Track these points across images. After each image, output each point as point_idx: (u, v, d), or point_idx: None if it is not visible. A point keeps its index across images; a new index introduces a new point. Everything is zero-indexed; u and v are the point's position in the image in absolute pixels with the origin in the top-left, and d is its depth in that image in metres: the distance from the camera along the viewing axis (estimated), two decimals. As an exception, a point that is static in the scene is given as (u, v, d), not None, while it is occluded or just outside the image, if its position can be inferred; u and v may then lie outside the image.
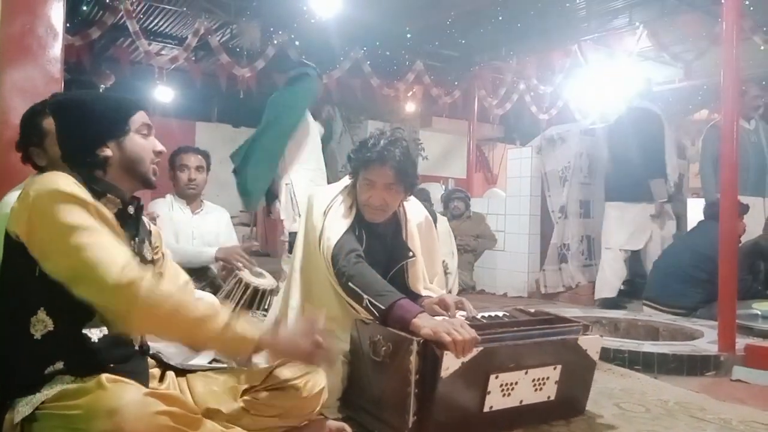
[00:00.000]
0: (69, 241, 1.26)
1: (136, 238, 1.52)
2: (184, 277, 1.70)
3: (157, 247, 1.67)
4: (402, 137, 2.14)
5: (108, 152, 1.45)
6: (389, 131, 2.15)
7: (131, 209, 1.50)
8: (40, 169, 2.08)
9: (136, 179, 1.50)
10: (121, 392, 1.16)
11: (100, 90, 1.68)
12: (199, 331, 1.31)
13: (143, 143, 1.50)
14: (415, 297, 2.18)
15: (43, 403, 1.23)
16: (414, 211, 2.32)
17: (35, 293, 1.30)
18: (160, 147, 1.54)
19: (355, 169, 2.17)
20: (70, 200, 1.29)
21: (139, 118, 1.51)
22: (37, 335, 1.29)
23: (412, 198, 2.31)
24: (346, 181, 2.26)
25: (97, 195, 1.42)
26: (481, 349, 1.72)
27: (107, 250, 1.27)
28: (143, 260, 1.52)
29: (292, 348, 1.44)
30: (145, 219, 1.64)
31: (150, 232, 1.65)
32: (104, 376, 1.20)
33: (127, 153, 1.47)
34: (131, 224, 1.50)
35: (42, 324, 1.29)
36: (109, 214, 1.36)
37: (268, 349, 1.42)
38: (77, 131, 1.47)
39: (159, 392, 1.20)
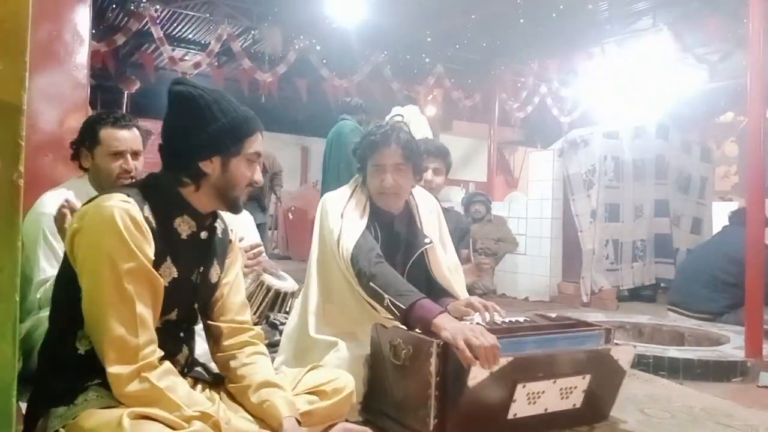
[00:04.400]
0: (98, 288, 1.23)
1: (202, 267, 1.45)
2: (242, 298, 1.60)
3: (229, 269, 1.57)
4: (402, 124, 2.15)
5: (209, 168, 1.37)
6: (388, 121, 2.16)
7: (204, 235, 1.43)
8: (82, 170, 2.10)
9: (224, 203, 1.42)
10: None
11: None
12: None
13: (244, 171, 1.40)
14: (439, 293, 2.18)
15: (73, 419, 1.21)
16: (425, 199, 2.32)
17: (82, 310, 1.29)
18: (258, 178, 1.44)
19: (362, 159, 2.15)
20: (118, 244, 1.23)
21: (253, 141, 1.41)
22: (81, 350, 1.29)
23: (419, 188, 2.32)
24: (354, 183, 2.25)
25: (173, 214, 1.37)
26: (511, 359, 1.68)
27: (123, 327, 1.22)
28: (206, 286, 1.47)
29: None
30: (227, 230, 1.57)
31: (230, 243, 1.57)
32: (126, 413, 1.15)
33: (227, 175, 1.38)
34: (201, 250, 1.44)
35: (87, 340, 1.29)
36: (151, 267, 1.28)
37: None
38: (187, 133, 1.36)
39: None
